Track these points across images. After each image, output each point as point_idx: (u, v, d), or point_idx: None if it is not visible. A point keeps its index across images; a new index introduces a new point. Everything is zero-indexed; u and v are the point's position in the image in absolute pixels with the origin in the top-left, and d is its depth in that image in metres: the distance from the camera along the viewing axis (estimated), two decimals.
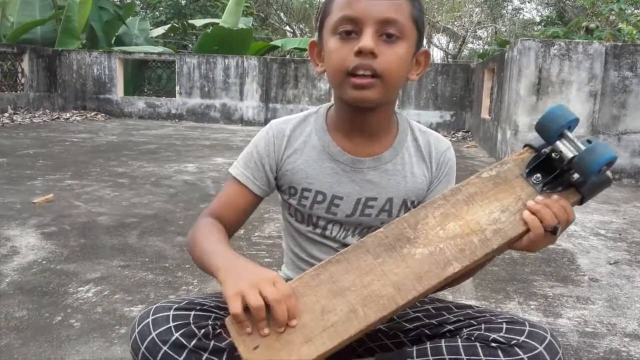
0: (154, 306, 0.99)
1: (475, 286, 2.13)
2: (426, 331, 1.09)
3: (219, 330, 0.97)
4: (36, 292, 1.94)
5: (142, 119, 10.18)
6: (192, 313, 0.98)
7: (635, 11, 9.60)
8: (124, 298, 1.92)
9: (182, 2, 15.21)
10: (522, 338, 0.96)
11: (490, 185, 0.97)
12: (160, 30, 13.80)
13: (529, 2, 19.68)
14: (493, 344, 0.97)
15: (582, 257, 2.63)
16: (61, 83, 10.30)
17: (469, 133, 9.19)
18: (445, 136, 1.25)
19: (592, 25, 9.72)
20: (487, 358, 0.96)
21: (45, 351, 1.52)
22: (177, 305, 0.99)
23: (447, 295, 1.95)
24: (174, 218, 3.05)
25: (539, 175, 0.97)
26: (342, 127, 1.13)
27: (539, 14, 18.67)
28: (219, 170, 4.75)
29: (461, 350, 0.98)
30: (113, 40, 11.93)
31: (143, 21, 13.41)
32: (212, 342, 0.95)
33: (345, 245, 1.09)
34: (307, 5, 19.56)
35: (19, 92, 9.45)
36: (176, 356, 0.94)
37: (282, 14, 20.98)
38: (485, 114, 7.63)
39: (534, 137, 1.00)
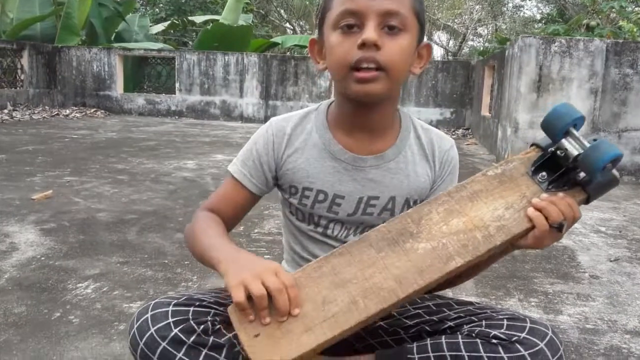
0: (153, 302, 0.98)
1: (475, 283, 2.13)
2: (426, 328, 1.08)
3: (218, 326, 0.96)
4: (35, 288, 1.94)
5: (142, 115, 10.17)
6: (191, 309, 0.97)
7: (636, 9, 9.58)
8: (123, 294, 1.91)
9: None
10: (523, 334, 0.95)
11: (496, 183, 0.97)
12: (160, 27, 13.77)
13: (529, 0, 19.67)
14: (494, 341, 0.96)
15: (582, 254, 2.63)
16: (61, 79, 10.28)
17: (469, 130, 9.18)
18: (446, 134, 1.24)
19: (593, 23, 9.71)
20: (488, 354, 0.95)
21: (44, 347, 1.52)
22: (176, 301, 0.99)
23: (448, 292, 1.94)
24: (174, 215, 3.05)
25: (544, 173, 0.96)
26: (344, 124, 1.12)
27: (540, 11, 18.64)
28: (219, 167, 4.74)
29: (462, 347, 0.97)
30: (113, 37, 11.91)
31: (143, 18, 13.39)
32: (211, 338, 0.95)
33: None
34: (307, 2, 19.52)
35: (18, 88, 9.43)
36: (175, 352, 0.93)
37: (282, 11, 20.95)
38: (485, 112, 7.62)
39: (542, 137, 0.99)
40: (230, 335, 0.96)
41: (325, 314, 0.88)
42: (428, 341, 1.01)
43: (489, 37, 20.40)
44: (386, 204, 1.12)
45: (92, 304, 1.82)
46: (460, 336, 0.99)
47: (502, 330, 0.97)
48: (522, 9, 20.91)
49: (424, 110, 9.52)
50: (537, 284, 2.18)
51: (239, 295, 0.85)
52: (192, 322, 0.95)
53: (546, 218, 0.92)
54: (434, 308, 1.10)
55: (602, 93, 5.07)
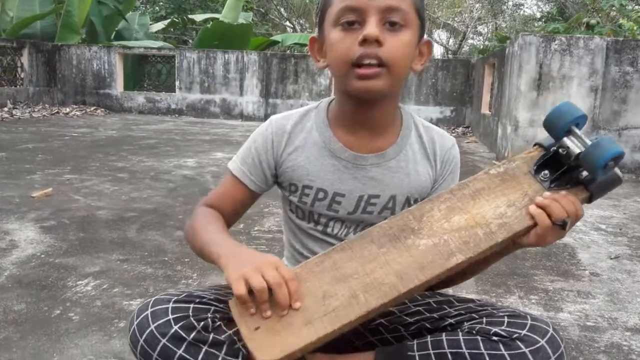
0: (153, 299, 0.98)
1: (475, 280, 2.13)
2: (427, 325, 1.07)
3: (218, 323, 0.96)
4: (35, 285, 1.93)
5: (142, 114, 10.16)
6: (191, 306, 0.97)
7: (636, 7, 9.58)
8: (123, 292, 1.91)
9: None
10: (524, 332, 0.95)
11: (498, 181, 0.98)
12: (160, 25, 13.77)
13: None
14: (494, 338, 0.95)
15: (582, 251, 2.62)
16: (61, 78, 10.27)
17: (469, 128, 9.18)
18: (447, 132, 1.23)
19: (593, 21, 9.70)
20: (489, 352, 0.94)
21: (43, 344, 1.51)
22: (176, 297, 0.98)
23: (448, 289, 1.94)
24: (174, 212, 3.05)
25: (546, 172, 0.97)
26: (344, 122, 1.11)
27: (540, 10, 18.62)
28: (219, 165, 4.74)
29: (462, 344, 0.97)
30: (113, 35, 11.91)
31: (143, 16, 13.39)
32: (211, 335, 0.94)
33: None
34: (307, 1, 19.50)
35: (18, 86, 9.43)
36: (175, 349, 0.92)
37: (282, 9, 20.93)
38: (485, 110, 7.61)
39: (545, 137, 1.00)
40: (231, 332, 0.96)
41: (326, 308, 0.88)
42: (428, 338, 1.01)
43: (489, 35, 20.39)
44: (387, 203, 1.12)
45: (92, 302, 1.82)
46: (460, 333, 0.99)
47: (502, 328, 0.96)
48: (522, 7, 20.91)
49: (424, 109, 9.51)
50: (537, 282, 2.18)
51: (239, 289, 0.86)
52: (192, 319, 0.94)
53: (550, 216, 0.92)
54: (435, 305, 1.10)
55: (602, 91, 5.07)
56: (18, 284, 1.95)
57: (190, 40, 14.57)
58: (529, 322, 0.97)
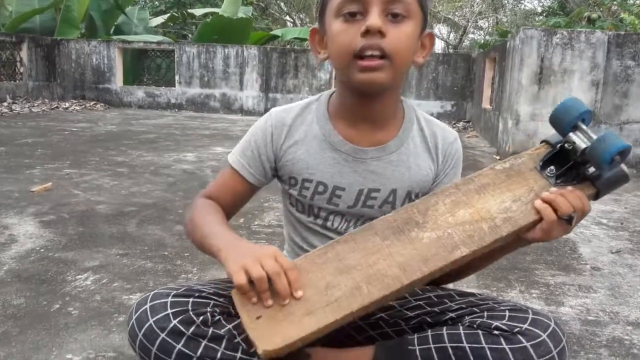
0: (152, 293, 0.98)
1: (476, 275, 2.12)
2: (428, 319, 1.07)
3: (217, 317, 0.96)
4: (34, 280, 1.93)
5: (142, 108, 10.14)
6: (191, 300, 0.97)
7: (637, 1, 9.55)
8: (123, 286, 1.90)
9: None
10: (525, 326, 0.94)
11: (503, 177, 0.97)
12: (160, 20, 13.71)
13: None
14: (495, 332, 0.95)
15: (583, 246, 2.62)
16: (60, 72, 10.25)
17: (470, 123, 9.16)
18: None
19: (594, 16, 9.67)
20: (490, 346, 0.94)
21: (43, 339, 1.51)
22: (175, 292, 0.98)
23: (449, 284, 1.93)
24: (173, 207, 3.04)
25: (552, 167, 0.96)
26: (345, 115, 1.10)
27: (541, 4, 18.56)
28: (219, 159, 4.73)
29: (463, 338, 0.96)
30: (112, 30, 11.87)
31: (142, 10, 13.33)
32: (210, 329, 0.94)
33: None
34: None
35: (17, 81, 9.41)
36: (174, 343, 0.92)
37: (282, 4, 20.86)
38: (486, 104, 7.59)
39: (552, 134, 1.00)
40: (230, 326, 0.95)
41: (328, 299, 0.88)
42: (429, 332, 1.00)
43: (490, 30, 20.33)
44: (387, 197, 1.11)
45: (91, 296, 1.81)
46: (461, 327, 0.98)
47: (504, 322, 0.96)
48: (522, 1, 20.83)
49: (425, 103, 9.49)
50: (538, 276, 2.17)
51: (240, 279, 0.86)
52: (191, 313, 0.94)
53: (556, 211, 0.91)
54: (435, 299, 1.09)
55: (604, 85, 5.05)
56: (17, 278, 1.94)
57: (189, 35, 14.53)
58: (531, 316, 0.96)
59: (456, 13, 21.29)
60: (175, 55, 10.13)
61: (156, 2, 16.17)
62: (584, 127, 0.94)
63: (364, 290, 0.88)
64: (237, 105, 10.05)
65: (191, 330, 0.92)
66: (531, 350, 0.92)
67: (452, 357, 0.95)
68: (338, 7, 0.99)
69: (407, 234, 0.93)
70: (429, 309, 1.08)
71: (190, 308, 0.95)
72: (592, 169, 0.95)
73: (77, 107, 9.42)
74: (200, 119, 8.69)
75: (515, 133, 5.20)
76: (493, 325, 0.96)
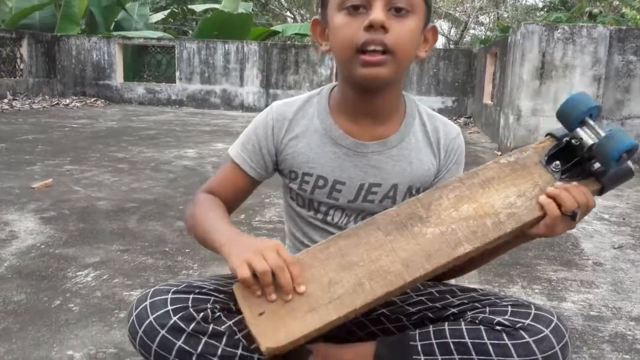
0: (152, 289, 0.97)
1: (478, 270, 2.11)
2: (429, 315, 1.06)
3: (218, 314, 0.95)
4: (35, 276, 1.92)
5: (142, 104, 10.13)
6: (191, 296, 0.96)
7: None
8: (124, 282, 1.90)
9: None
10: (528, 321, 0.94)
11: (508, 170, 0.96)
12: (160, 16, 13.70)
13: None
14: (498, 327, 0.94)
15: (585, 241, 2.61)
16: (60, 69, 10.24)
17: (471, 119, 9.15)
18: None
19: (596, 11, 9.65)
20: (492, 341, 0.93)
21: (43, 335, 1.50)
22: (175, 288, 0.97)
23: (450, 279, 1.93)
24: (174, 203, 3.03)
25: (558, 162, 0.95)
26: (346, 109, 1.09)
27: None
28: (219, 155, 4.72)
29: (465, 334, 0.96)
30: (112, 26, 11.85)
31: (142, 6, 13.29)
32: (211, 326, 0.93)
33: None
34: None
35: (17, 78, 9.40)
36: (174, 340, 0.91)
37: (282, 0, 20.81)
38: (487, 100, 7.58)
39: (557, 127, 0.98)
40: (231, 322, 0.94)
41: (331, 295, 0.88)
42: (431, 328, 1.00)
43: (491, 25, 20.28)
44: (388, 192, 1.10)
45: (92, 292, 1.80)
46: (463, 323, 0.98)
47: (506, 317, 0.95)
48: None
49: (426, 99, 9.47)
50: (540, 271, 2.17)
51: (244, 272, 0.86)
52: (191, 309, 0.93)
53: (560, 206, 0.90)
54: (437, 295, 1.08)
55: (606, 80, 5.03)
56: (18, 274, 1.93)
57: (190, 31, 14.51)
58: (533, 311, 0.96)
59: (457, 9, 21.24)
60: (176, 51, 10.11)
61: None
62: (591, 122, 0.93)
63: (367, 287, 0.88)
64: (238, 102, 10.04)
65: (191, 326, 0.92)
66: (534, 346, 0.91)
67: (454, 352, 0.95)
68: (341, 0, 0.98)
69: (410, 229, 0.92)
70: (430, 304, 1.07)
71: (190, 304, 0.94)
72: (597, 165, 0.94)
73: (78, 104, 9.41)
74: (200, 115, 8.68)
75: (517, 128, 5.19)
76: (495, 321, 0.95)
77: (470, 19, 20.64)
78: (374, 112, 1.08)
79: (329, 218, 1.13)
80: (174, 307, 0.93)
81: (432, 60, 9.58)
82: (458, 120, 9.00)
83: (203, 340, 0.92)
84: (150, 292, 0.96)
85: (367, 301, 0.87)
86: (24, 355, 1.40)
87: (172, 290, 0.96)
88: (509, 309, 0.97)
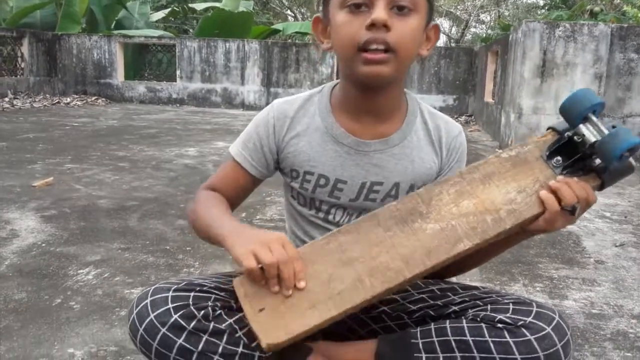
0: (153, 287, 0.97)
1: (479, 268, 2.11)
2: (430, 312, 1.06)
3: (219, 312, 0.95)
4: (36, 274, 1.92)
5: (143, 103, 10.13)
6: (192, 294, 0.96)
7: None
8: (125, 280, 1.90)
9: None
10: (529, 319, 0.93)
11: (509, 165, 0.96)
12: (161, 14, 13.69)
13: None
14: (499, 325, 0.94)
15: (587, 239, 2.61)
16: (61, 67, 10.24)
17: (472, 117, 9.14)
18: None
19: (597, 9, 9.63)
20: (493, 339, 0.93)
21: (44, 333, 1.50)
22: (176, 286, 0.97)
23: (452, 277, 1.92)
24: (175, 201, 3.03)
25: (559, 158, 0.95)
26: (348, 108, 1.09)
27: None
28: (220, 154, 4.72)
29: (466, 331, 0.95)
30: (113, 25, 11.84)
31: (143, 5, 13.28)
32: (211, 324, 0.93)
33: None
34: None
35: (18, 76, 9.40)
36: (175, 338, 0.91)
37: None
38: (488, 98, 7.57)
39: (559, 121, 0.98)
40: (232, 320, 0.94)
41: (331, 292, 0.88)
42: (432, 326, 0.99)
43: (492, 24, 20.26)
44: (390, 190, 1.10)
45: (93, 290, 1.80)
46: (464, 321, 0.97)
47: (507, 315, 0.95)
48: None
49: (427, 97, 9.46)
50: (542, 269, 2.16)
51: (251, 263, 0.86)
52: (192, 307, 0.93)
53: (560, 201, 0.90)
54: (438, 293, 1.08)
55: (607, 78, 5.02)
56: (19, 273, 1.93)
57: (190, 29, 14.50)
58: (535, 309, 0.95)
59: (458, 7, 21.22)
60: (177, 50, 10.11)
61: None
62: (594, 119, 0.92)
63: (367, 283, 0.88)
64: (239, 100, 10.03)
65: (192, 324, 0.92)
66: (535, 344, 0.91)
67: (456, 350, 0.94)
68: None
69: (411, 225, 0.92)
70: (432, 302, 1.07)
71: (191, 302, 0.94)
72: (598, 161, 0.93)
73: (79, 102, 9.41)
74: (201, 114, 8.68)
75: (518, 127, 5.18)
76: (497, 319, 0.95)
77: (471, 18, 20.62)
78: (375, 110, 1.07)
79: (330, 217, 1.13)
80: (174, 305, 0.93)
81: (433, 58, 9.57)
82: (459, 119, 8.99)
83: (204, 338, 0.92)
84: (151, 290, 0.96)
85: (367, 298, 0.87)
86: (25, 353, 1.40)
87: (172, 288, 0.96)
88: (511, 306, 0.97)
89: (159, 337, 0.91)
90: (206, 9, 13.10)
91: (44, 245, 2.24)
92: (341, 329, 1.09)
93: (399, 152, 1.09)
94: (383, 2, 0.94)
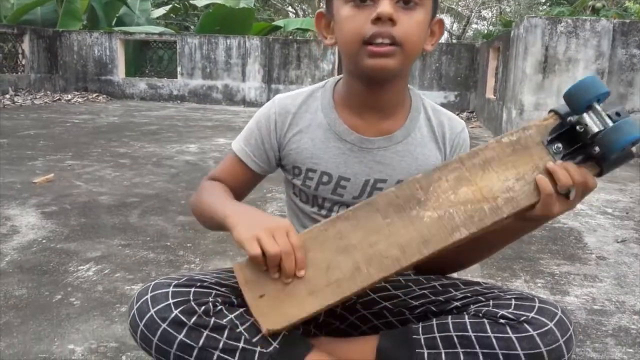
0: (153, 283, 0.96)
1: (481, 264, 2.11)
2: (432, 308, 1.05)
3: (219, 307, 0.94)
4: (36, 270, 1.92)
5: (144, 100, 10.13)
6: (192, 290, 0.95)
7: None
8: (125, 276, 1.90)
9: None
10: (532, 314, 0.93)
11: (509, 151, 0.94)
12: (162, 11, 13.68)
13: None
14: (501, 321, 0.93)
15: (589, 235, 2.60)
16: (62, 64, 10.23)
17: (474, 113, 9.12)
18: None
19: (599, 5, 9.60)
20: (495, 335, 0.92)
21: (44, 329, 1.50)
22: (176, 281, 0.96)
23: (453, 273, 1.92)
24: (176, 198, 3.03)
25: (559, 145, 0.93)
26: (351, 104, 1.08)
27: None
28: (221, 150, 4.72)
29: (468, 327, 0.95)
30: (114, 21, 11.83)
31: (144, 1, 13.23)
32: (212, 319, 0.92)
33: None
34: None
35: (19, 73, 9.39)
36: (176, 334, 0.91)
37: None
38: (490, 94, 7.56)
39: (561, 104, 0.96)
40: (232, 316, 0.94)
41: (329, 279, 0.90)
42: (434, 322, 0.99)
43: (493, 20, 20.20)
44: None
45: (93, 286, 1.80)
46: (467, 316, 0.97)
47: (510, 310, 0.94)
48: None
49: (428, 94, 9.45)
50: (543, 265, 2.16)
51: (255, 249, 0.86)
52: (192, 303, 0.93)
53: (556, 182, 0.89)
54: (440, 288, 1.07)
55: (609, 74, 5.01)
56: (19, 269, 1.93)
57: (191, 26, 14.48)
58: (537, 304, 0.95)
59: (459, 3, 21.15)
60: (177, 47, 10.10)
61: None
62: (598, 108, 0.91)
63: (364, 271, 0.90)
64: (240, 97, 10.02)
65: (193, 320, 0.91)
66: (538, 339, 0.90)
67: (458, 346, 0.94)
68: None
69: (409, 213, 0.92)
70: (433, 297, 1.06)
71: (191, 298, 0.93)
72: (597, 149, 0.92)
73: (79, 99, 9.41)
74: (202, 111, 8.67)
75: (520, 123, 5.17)
76: (499, 314, 0.94)
77: (473, 14, 20.56)
78: (379, 106, 1.06)
79: (332, 214, 1.12)
80: (175, 300, 0.92)
81: (435, 54, 9.55)
82: (460, 115, 8.98)
83: (204, 334, 0.91)
84: (151, 286, 0.95)
85: (364, 286, 0.90)
86: (25, 350, 1.40)
87: (173, 283, 0.95)
88: (513, 302, 0.96)
89: (159, 332, 0.91)
90: (207, 6, 13.06)
91: (44, 241, 2.24)
92: (343, 325, 1.09)
93: (402, 149, 1.08)
94: None
